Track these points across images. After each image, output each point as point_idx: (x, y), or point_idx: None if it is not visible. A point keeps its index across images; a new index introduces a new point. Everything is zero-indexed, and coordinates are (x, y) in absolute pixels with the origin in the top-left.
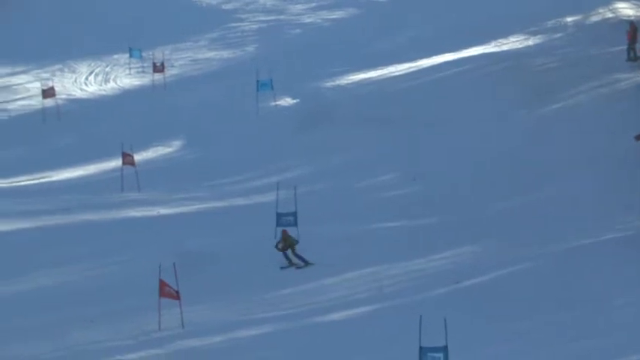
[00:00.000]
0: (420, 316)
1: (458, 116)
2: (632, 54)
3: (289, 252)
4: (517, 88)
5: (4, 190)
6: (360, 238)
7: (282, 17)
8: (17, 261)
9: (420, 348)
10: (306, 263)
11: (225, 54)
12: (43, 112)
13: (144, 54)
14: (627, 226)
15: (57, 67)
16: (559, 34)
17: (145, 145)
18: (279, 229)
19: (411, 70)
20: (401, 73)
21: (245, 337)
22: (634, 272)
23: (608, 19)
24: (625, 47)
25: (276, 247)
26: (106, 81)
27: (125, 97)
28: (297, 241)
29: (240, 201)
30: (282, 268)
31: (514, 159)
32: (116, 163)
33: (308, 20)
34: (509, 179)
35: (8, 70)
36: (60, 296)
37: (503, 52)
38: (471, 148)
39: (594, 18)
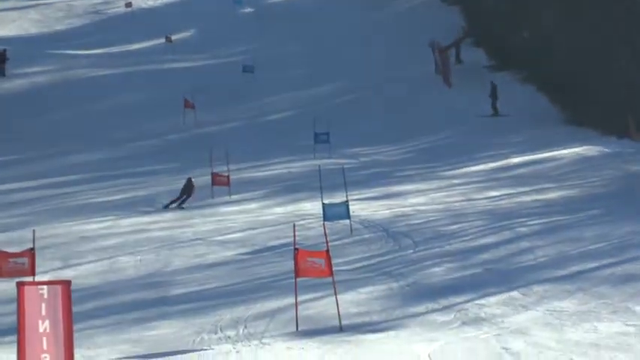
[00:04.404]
0: (314, 117)
1: (329, 16)
2: None
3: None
4: (361, 3)
5: (101, 55)
6: (287, 79)
7: None
8: (108, 88)
9: (315, 133)
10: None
11: None
12: (125, 14)
13: None
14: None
15: None
16: None
17: (177, 31)
18: (245, 74)
19: None
20: None
21: (227, 127)
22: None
23: None
24: None
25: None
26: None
27: (166, 6)
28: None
29: (225, 59)
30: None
31: (358, 35)
32: (161, 40)
33: None
34: (361, 43)
35: None
36: (129, 109)
37: None
38: (336, 33)
39: None
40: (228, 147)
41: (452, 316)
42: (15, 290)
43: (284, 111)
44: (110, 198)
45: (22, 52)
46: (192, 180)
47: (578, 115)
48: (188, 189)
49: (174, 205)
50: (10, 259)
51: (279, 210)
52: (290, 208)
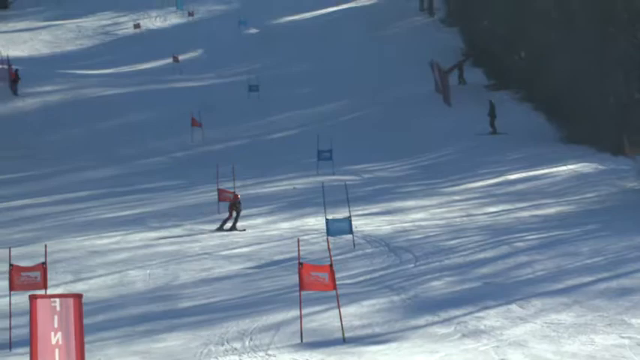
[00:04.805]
0: (318, 135)
1: (333, 37)
2: (422, 6)
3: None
4: (364, 24)
5: (111, 74)
6: (291, 98)
7: None
8: (118, 107)
9: (318, 151)
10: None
11: (224, 7)
12: (134, 35)
13: (184, 7)
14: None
15: (140, 14)
16: None
17: (184, 51)
18: (251, 93)
19: (313, 15)
20: (308, 16)
21: (233, 145)
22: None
23: None
24: (417, 6)
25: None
26: (164, 20)
27: (174, 27)
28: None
29: (231, 78)
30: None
31: (361, 54)
32: (169, 60)
33: None
34: (364, 62)
35: (116, 14)
36: (139, 127)
37: (358, 6)
38: (339, 53)
39: None
40: (235, 164)
41: (452, 328)
42: (28, 303)
43: (289, 129)
44: (120, 213)
45: (33, 72)
46: (239, 196)
47: (574, 133)
48: (236, 207)
49: (228, 225)
50: (23, 273)
51: (283, 225)
52: (294, 223)
